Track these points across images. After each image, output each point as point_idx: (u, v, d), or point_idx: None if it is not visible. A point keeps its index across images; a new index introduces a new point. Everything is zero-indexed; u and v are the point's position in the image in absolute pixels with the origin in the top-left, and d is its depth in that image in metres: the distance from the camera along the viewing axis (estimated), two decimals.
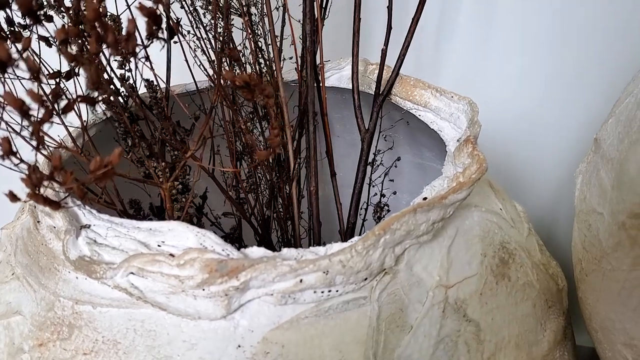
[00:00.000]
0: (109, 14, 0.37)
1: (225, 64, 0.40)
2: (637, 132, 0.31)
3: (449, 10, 0.62)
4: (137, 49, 0.27)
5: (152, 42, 0.29)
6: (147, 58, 0.29)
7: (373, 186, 0.47)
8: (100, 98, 0.27)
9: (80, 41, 0.28)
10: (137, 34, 0.26)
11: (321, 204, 0.44)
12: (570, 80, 0.61)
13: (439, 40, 0.64)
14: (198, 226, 0.41)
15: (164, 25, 0.30)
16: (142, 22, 0.26)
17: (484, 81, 0.63)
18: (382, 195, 0.47)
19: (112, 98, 0.38)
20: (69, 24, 0.28)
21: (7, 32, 0.30)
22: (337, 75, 0.49)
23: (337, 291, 0.29)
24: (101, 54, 0.28)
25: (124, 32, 0.25)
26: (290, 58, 0.47)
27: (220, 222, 0.52)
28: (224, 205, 0.49)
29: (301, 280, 0.28)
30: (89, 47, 0.26)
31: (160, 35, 0.28)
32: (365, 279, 0.29)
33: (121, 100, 0.41)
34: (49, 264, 0.32)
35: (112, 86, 0.37)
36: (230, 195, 0.44)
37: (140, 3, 0.28)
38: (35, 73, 0.23)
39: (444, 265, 0.32)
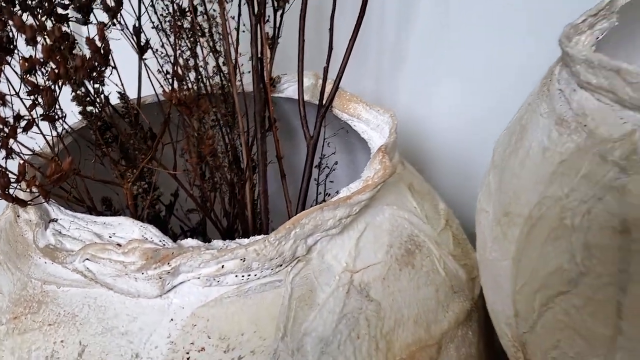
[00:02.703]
0: (74, 41, 0.43)
1: (180, 79, 0.46)
2: (514, 145, 0.37)
3: (404, 30, 0.68)
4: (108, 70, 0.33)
5: (105, 68, 0.35)
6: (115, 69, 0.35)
7: (318, 185, 0.53)
8: (60, 116, 0.34)
9: (42, 70, 0.34)
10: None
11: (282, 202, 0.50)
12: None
13: (396, 60, 0.70)
14: (168, 221, 0.48)
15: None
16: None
17: (436, 92, 0.68)
18: (327, 194, 0.53)
19: (87, 109, 0.45)
20: (33, 56, 0.35)
21: None
22: (293, 87, 0.55)
23: (255, 275, 0.35)
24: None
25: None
26: (249, 72, 0.53)
27: (189, 218, 0.58)
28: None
29: (223, 266, 0.34)
30: (48, 76, 0.32)
31: (110, 63, 0.35)
32: (280, 265, 0.35)
33: (95, 111, 0.47)
34: (24, 251, 0.38)
35: (87, 98, 0.44)
36: (192, 194, 0.50)
37: (87, 38, 0.34)
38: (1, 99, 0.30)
39: (352, 254, 0.38)
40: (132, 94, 0.51)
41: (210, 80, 0.52)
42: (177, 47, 0.47)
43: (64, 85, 0.34)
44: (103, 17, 0.42)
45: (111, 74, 0.38)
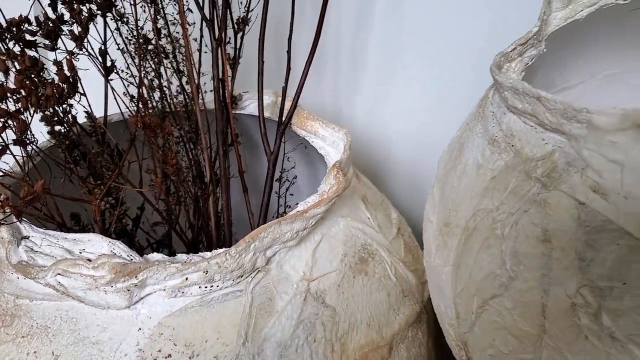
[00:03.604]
0: (42, 66, 0.45)
1: (144, 102, 0.48)
2: (454, 161, 0.40)
3: (360, 49, 0.71)
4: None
5: (73, 95, 0.38)
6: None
7: (279, 198, 0.56)
8: (31, 141, 0.36)
9: (14, 97, 0.36)
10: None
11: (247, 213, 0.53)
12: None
13: (354, 73, 0.73)
14: (135, 234, 0.51)
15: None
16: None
17: (391, 107, 0.72)
18: (287, 206, 0.56)
19: (55, 128, 0.47)
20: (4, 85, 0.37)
21: None
22: (255, 104, 0.58)
23: (217, 286, 0.38)
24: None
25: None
26: (211, 91, 0.55)
27: (155, 230, 0.60)
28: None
29: (187, 278, 0.37)
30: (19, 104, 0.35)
31: (78, 90, 0.37)
32: (241, 276, 0.38)
33: (63, 130, 0.49)
34: None
35: (55, 118, 0.46)
36: (157, 208, 0.52)
37: (58, 68, 0.36)
38: None
39: (309, 264, 0.41)
40: (99, 111, 0.53)
41: (174, 99, 0.54)
42: (142, 69, 0.49)
43: (35, 113, 0.36)
44: (70, 41, 0.45)
45: (79, 100, 0.41)
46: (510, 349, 0.35)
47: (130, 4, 0.49)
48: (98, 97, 0.52)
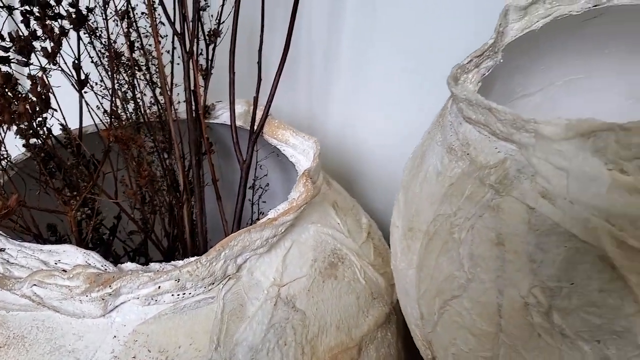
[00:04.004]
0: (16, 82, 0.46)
1: (117, 117, 0.49)
2: (416, 168, 0.42)
3: (332, 56, 0.73)
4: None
5: (46, 111, 0.39)
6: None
7: (253, 205, 0.57)
8: (4, 157, 0.37)
9: None
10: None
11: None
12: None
13: (327, 81, 0.75)
14: (112, 243, 0.52)
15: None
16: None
17: (364, 112, 0.74)
18: (261, 213, 0.58)
19: (30, 141, 0.48)
20: None
21: None
22: (227, 113, 0.59)
23: (189, 293, 0.39)
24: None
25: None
26: (184, 101, 0.57)
27: (132, 239, 0.61)
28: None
29: (159, 287, 0.38)
30: None
31: (51, 106, 0.38)
32: (212, 283, 0.40)
33: (38, 142, 0.50)
34: None
35: (30, 131, 0.47)
36: (133, 217, 0.53)
37: (31, 86, 0.37)
38: None
39: (279, 270, 0.42)
40: (76, 123, 0.54)
41: (149, 110, 0.55)
42: (115, 82, 0.51)
43: (8, 130, 0.37)
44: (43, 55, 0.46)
45: (52, 116, 0.42)
46: (471, 347, 0.37)
47: (103, 19, 0.51)
48: (74, 109, 0.53)
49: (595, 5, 0.44)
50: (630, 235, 0.29)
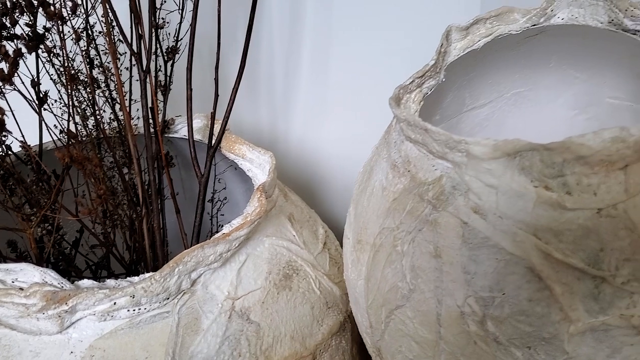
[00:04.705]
0: None
1: (73, 137, 0.50)
2: (365, 182, 0.44)
3: (293, 66, 0.74)
4: None
5: (1, 132, 0.40)
6: None
7: (211, 218, 0.58)
8: None
9: None
10: None
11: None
12: None
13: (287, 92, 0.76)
14: (74, 258, 0.52)
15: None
16: None
17: (326, 121, 0.76)
18: (220, 226, 0.59)
19: None
20: None
21: None
22: (186, 128, 0.61)
23: (145, 309, 0.40)
24: None
25: None
26: (142, 117, 0.58)
27: (95, 252, 0.62)
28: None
29: (115, 303, 0.39)
30: None
31: (6, 129, 0.39)
32: (167, 298, 0.41)
33: None
34: None
35: None
36: (94, 232, 0.54)
37: None
38: None
39: (234, 283, 0.44)
40: (37, 139, 0.55)
41: (109, 125, 0.56)
42: (73, 100, 0.51)
43: None
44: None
45: (7, 137, 0.43)
46: (415, 354, 0.39)
47: (61, 38, 0.51)
48: (35, 125, 0.54)
49: (534, 25, 0.47)
50: (555, 248, 0.31)
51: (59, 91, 0.55)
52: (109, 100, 0.56)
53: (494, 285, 0.34)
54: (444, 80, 0.45)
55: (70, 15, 0.47)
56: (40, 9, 0.46)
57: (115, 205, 0.56)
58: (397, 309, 0.39)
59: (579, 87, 0.57)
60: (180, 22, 0.57)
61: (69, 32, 0.52)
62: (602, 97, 0.57)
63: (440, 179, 0.36)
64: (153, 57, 0.56)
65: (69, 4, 0.47)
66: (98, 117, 0.55)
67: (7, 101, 0.46)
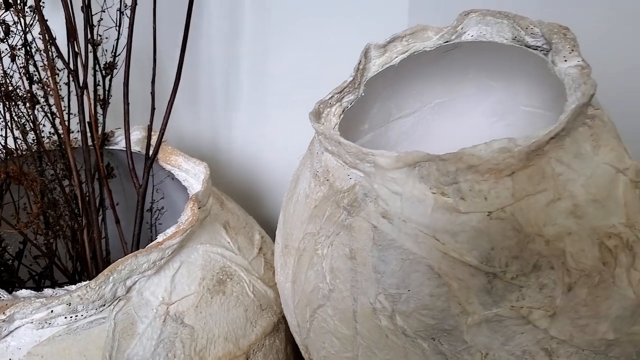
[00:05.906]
0: None
1: (9, 153, 0.52)
2: (292, 190, 0.47)
3: (232, 72, 0.77)
4: None
5: None
6: None
7: (150, 227, 0.60)
8: None
9: None
10: None
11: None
12: None
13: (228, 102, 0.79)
14: (17, 268, 0.54)
15: None
16: None
17: (267, 126, 0.78)
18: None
19: None
20: None
21: None
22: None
23: (82, 315, 0.42)
24: None
25: None
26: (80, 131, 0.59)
27: (38, 262, 0.63)
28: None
29: (52, 311, 0.41)
30: None
31: None
32: (103, 305, 0.43)
33: None
34: None
35: None
36: (36, 243, 0.56)
37: None
38: None
39: (168, 289, 0.46)
40: None
41: (49, 139, 0.58)
42: (13, 115, 0.53)
43: None
44: None
45: None
46: (336, 349, 0.42)
47: None
48: None
49: (446, 42, 0.51)
50: (451, 248, 0.35)
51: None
52: (49, 115, 0.57)
53: (400, 283, 0.37)
54: (363, 95, 0.48)
55: (5, 37, 0.49)
56: None
57: (57, 216, 0.57)
58: (320, 308, 0.42)
59: (496, 96, 0.61)
60: (118, 39, 0.59)
61: (5, 49, 0.54)
62: (517, 105, 0.61)
63: (354, 187, 0.39)
64: (92, 72, 0.58)
65: (2, 27, 0.49)
66: (38, 131, 0.56)
67: None
